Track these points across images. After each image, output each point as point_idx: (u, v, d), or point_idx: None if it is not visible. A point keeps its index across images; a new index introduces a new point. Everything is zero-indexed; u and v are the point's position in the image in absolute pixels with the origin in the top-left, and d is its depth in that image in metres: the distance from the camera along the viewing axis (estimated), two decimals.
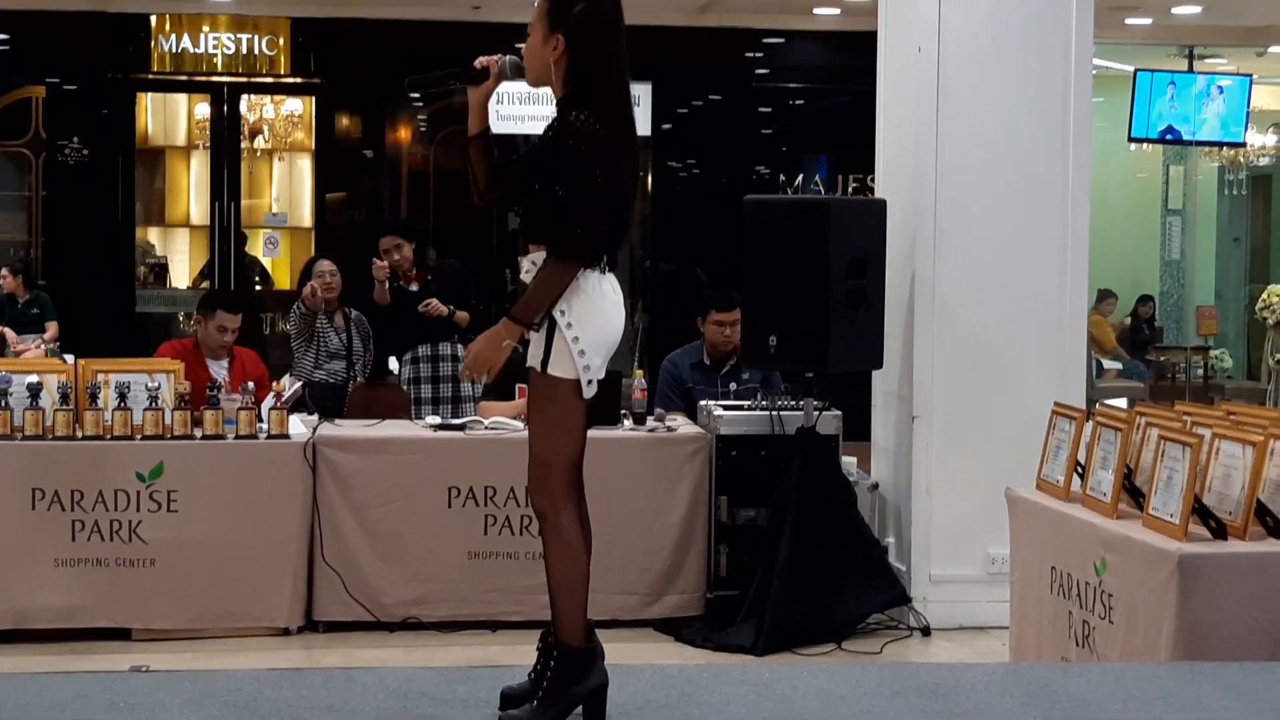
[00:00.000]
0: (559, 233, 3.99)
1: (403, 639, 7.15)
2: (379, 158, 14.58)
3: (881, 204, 7.64)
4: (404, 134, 14.85)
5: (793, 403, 7.68)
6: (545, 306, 4.01)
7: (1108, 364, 14.85)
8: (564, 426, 4.09)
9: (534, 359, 4.07)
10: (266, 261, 14.59)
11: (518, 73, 4.17)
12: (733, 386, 8.15)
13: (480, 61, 4.18)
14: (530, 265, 4.06)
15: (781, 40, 14.75)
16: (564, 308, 4.01)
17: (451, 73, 4.23)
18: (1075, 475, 5.55)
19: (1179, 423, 5.28)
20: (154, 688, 4.46)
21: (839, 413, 7.67)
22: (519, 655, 6.59)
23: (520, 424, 7.56)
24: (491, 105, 4.21)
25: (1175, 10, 13.40)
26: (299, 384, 8.14)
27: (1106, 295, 15.72)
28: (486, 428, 7.52)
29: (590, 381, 4.06)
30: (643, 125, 14.33)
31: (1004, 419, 7.42)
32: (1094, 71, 7.77)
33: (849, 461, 7.85)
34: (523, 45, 4.17)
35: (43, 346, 12.44)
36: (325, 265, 9.08)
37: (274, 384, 7.64)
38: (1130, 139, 14.68)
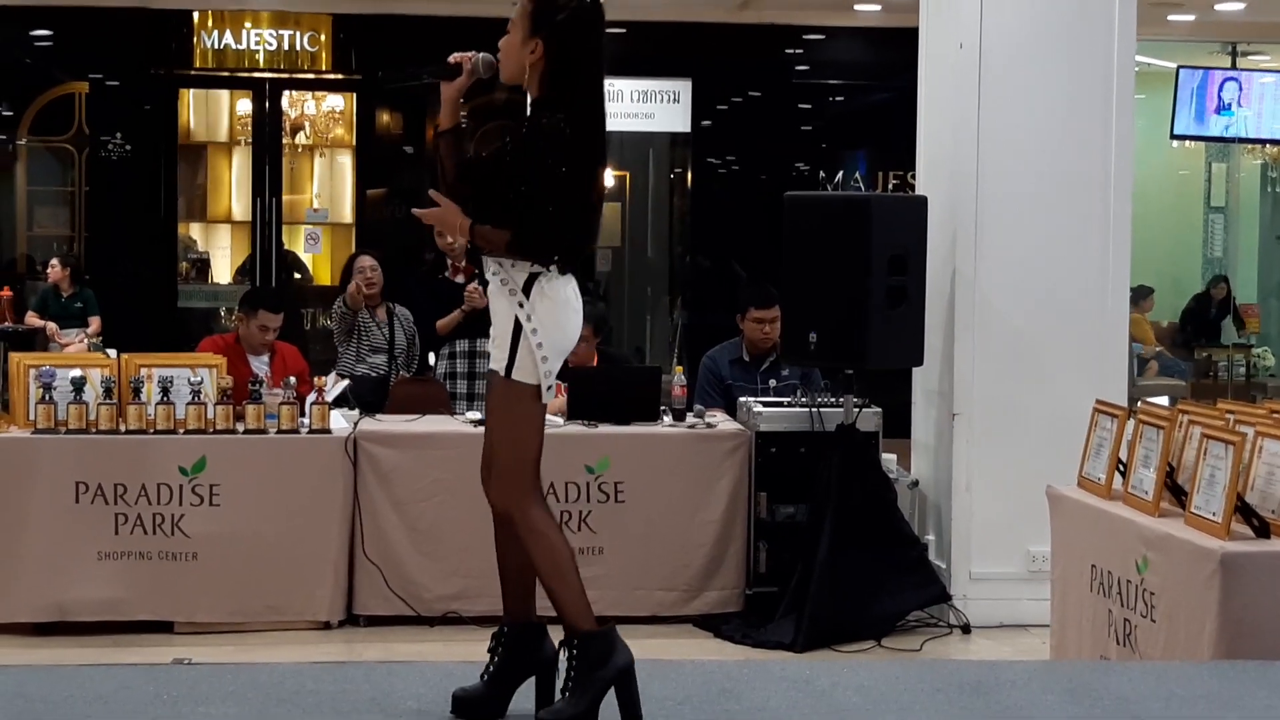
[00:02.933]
0: (528, 233, 4.02)
1: (443, 633, 7.18)
2: (419, 154, 14.61)
3: (922, 201, 7.63)
4: None
5: (832, 399, 7.67)
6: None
7: (1144, 351, 14.75)
8: (527, 430, 4.11)
9: (497, 363, 4.10)
10: (307, 257, 14.65)
11: (491, 70, 4.19)
12: (772, 383, 8.15)
13: (454, 58, 4.20)
14: (498, 266, 4.08)
15: (822, 36, 14.72)
16: (530, 313, 4.04)
17: (427, 69, 4.26)
18: (1117, 473, 5.54)
19: (1222, 421, 5.26)
20: (197, 680, 4.49)
21: (879, 409, 7.66)
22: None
23: (560, 419, 7.59)
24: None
25: (1218, 7, 13.33)
26: (345, 382, 8.18)
27: (1145, 292, 15.63)
28: None
29: (550, 387, 4.08)
30: (682, 121, 14.36)
31: (1044, 416, 7.40)
32: (1135, 68, 7.74)
33: (889, 458, 7.84)
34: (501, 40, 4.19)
35: (85, 341, 12.52)
36: (366, 261, 9.11)
37: (316, 380, 7.67)
38: (1172, 136, 14.60)
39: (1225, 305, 16.04)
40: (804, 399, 7.73)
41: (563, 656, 4.08)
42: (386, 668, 4.81)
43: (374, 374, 8.95)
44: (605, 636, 4.06)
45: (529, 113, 4.15)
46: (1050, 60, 7.54)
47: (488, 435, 4.18)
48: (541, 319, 4.05)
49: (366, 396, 8.29)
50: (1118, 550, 5.33)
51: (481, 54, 4.20)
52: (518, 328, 4.03)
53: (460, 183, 4.16)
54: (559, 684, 4.07)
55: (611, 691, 4.01)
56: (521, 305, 4.05)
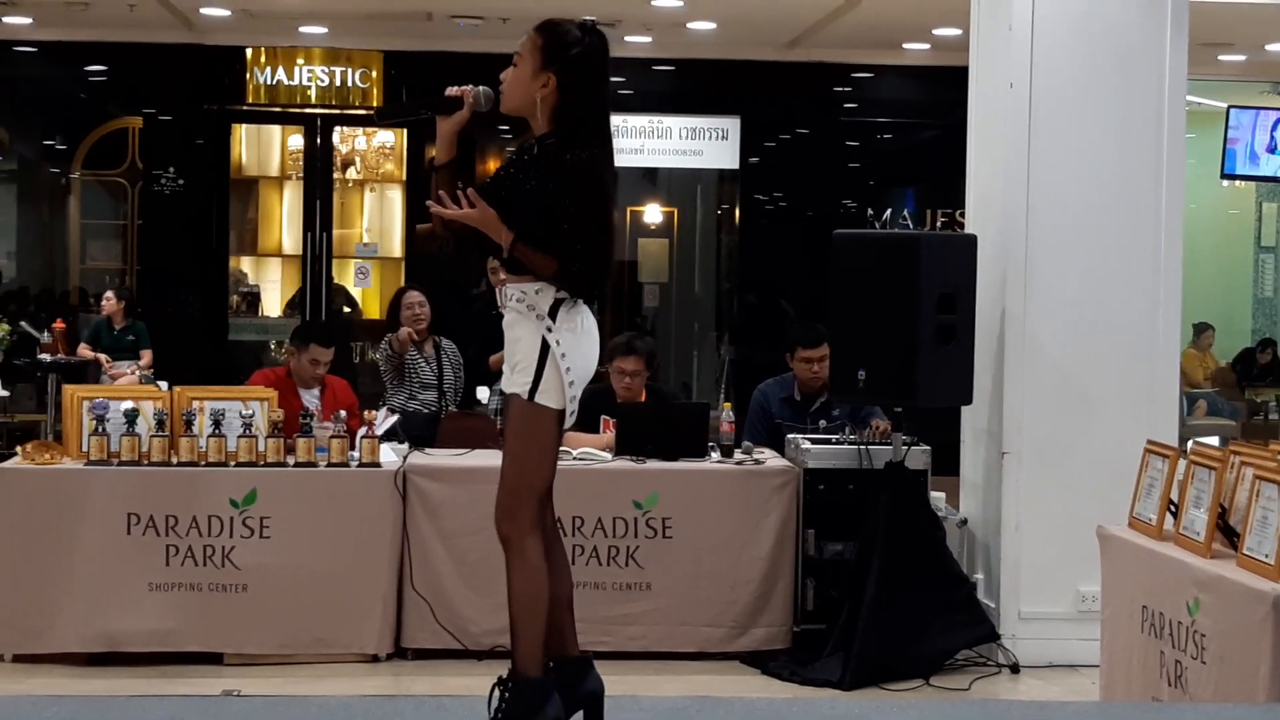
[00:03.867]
0: (571, 271, 4.05)
1: (490, 667, 7.10)
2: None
3: (972, 239, 7.63)
4: (493, 165, 14.93)
5: (891, 434, 7.67)
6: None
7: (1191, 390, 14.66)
8: (541, 455, 4.14)
9: (519, 386, 4.09)
10: (356, 291, 14.74)
11: (490, 103, 4.20)
12: (822, 424, 8.13)
13: (452, 91, 4.20)
14: (521, 294, 4.08)
15: (870, 75, 14.75)
16: (559, 339, 4.06)
17: (423, 102, 4.27)
18: (1168, 514, 5.51)
19: (1274, 462, 5.23)
20: (247, 712, 4.52)
21: (928, 448, 7.64)
22: (606, 685, 6.63)
23: (608, 455, 7.60)
24: None
25: (1269, 46, 13.30)
26: (394, 416, 8.21)
27: (1204, 328, 15.57)
28: (575, 458, 7.56)
29: (573, 413, 4.09)
30: (730, 158, 14.41)
31: (1094, 455, 7.37)
32: (1186, 107, 7.73)
33: (938, 496, 7.82)
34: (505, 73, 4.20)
35: (137, 373, 12.61)
36: (414, 297, 9.16)
37: (366, 414, 7.71)
38: (1223, 176, 14.55)
39: (1270, 369, 15.95)
40: (852, 436, 7.72)
41: (495, 695, 4.08)
42: (436, 701, 4.83)
43: (425, 410, 8.98)
44: (542, 688, 4.06)
45: (535, 148, 4.16)
46: (1101, 99, 7.54)
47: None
48: (568, 344, 4.07)
49: (417, 432, 8.33)
50: (1169, 591, 5.29)
51: (481, 87, 4.20)
52: (544, 350, 4.05)
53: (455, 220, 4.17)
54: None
55: None
56: (550, 330, 4.07)
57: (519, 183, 4.10)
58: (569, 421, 4.13)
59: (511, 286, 4.11)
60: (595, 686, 4.15)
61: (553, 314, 4.07)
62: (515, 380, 4.10)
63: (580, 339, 4.11)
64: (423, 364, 9.07)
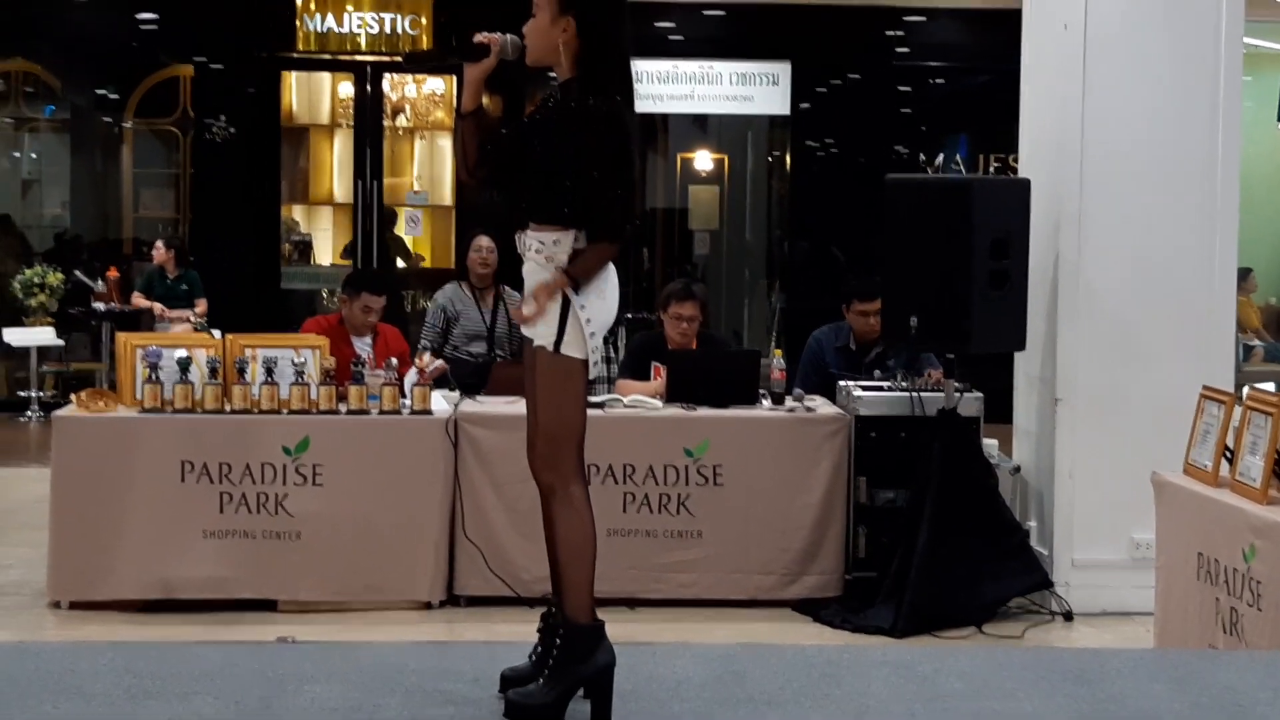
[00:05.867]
0: (603, 216, 4.02)
1: (540, 614, 7.18)
2: None
3: (1025, 184, 7.56)
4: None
5: (931, 384, 7.63)
6: (589, 277, 4.04)
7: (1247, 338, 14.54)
8: (574, 404, 4.12)
9: (545, 339, 4.06)
10: (408, 239, 14.75)
11: (518, 51, 4.16)
12: (876, 374, 8.08)
13: (480, 38, 4.16)
14: (540, 244, 4.05)
15: (923, 18, 14.62)
16: (578, 290, 4.04)
17: (451, 48, 4.24)
18: (1224, 460, 5.47)
19: None
20: (301, 659, 4.54)
21: (980, 395, 7.60)
22: (656, 633, 6.66)
23: (659, 403, 7.60)
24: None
25: None
26: (439, 361, 8.21)
27: (1245, 272, 15.39)
28: (625, 406, 7.56)
29: (596, 362, 4.09)
30: (781, 104, 14.33)
31: (1148, 402, 7.32)
32: (1243, 50, 7.62)
33: (990, 444, 7.79)
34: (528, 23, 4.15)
35: (191, 321, 12.67)
36: (483, 241, 9.12)
37: (416, 360, 7.71)
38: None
39: None
40: (904, 383, 7.69)
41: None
42: (488, 648, 4.84)
43: (472, 360, 8.97)
44: (595, 633, 4.06)
45: (559, 94, 4.13)
46: (1156, 42, 7.45)
47: (532, 415, 4.18)
48: (588, 293, 4.05)
49: (466, 380, 8.33)
50: (1224, 538, 5.26)
51: (509, 35, 4.17)
52: (566, 302, 4.03)
53: (480, 166, 4.17)
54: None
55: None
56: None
57: (544, 131, 4.08)
58: (594, 371, 4.12)
59: (531, 236, 4.08)
60: (608, 659, 4.13)
61: (573, 263, 4.05)
62: (539, 331, 4.09)
63: (602, 287, 4.09)
64: (475, 313, 9.05)
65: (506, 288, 9.16)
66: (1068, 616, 7.37)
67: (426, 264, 14.71)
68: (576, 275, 4.02)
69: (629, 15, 4.18)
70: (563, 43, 4.09)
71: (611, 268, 4.13)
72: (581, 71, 4.09)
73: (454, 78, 14.31)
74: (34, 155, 15.66)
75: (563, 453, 4.09)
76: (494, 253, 9.06)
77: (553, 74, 4.17)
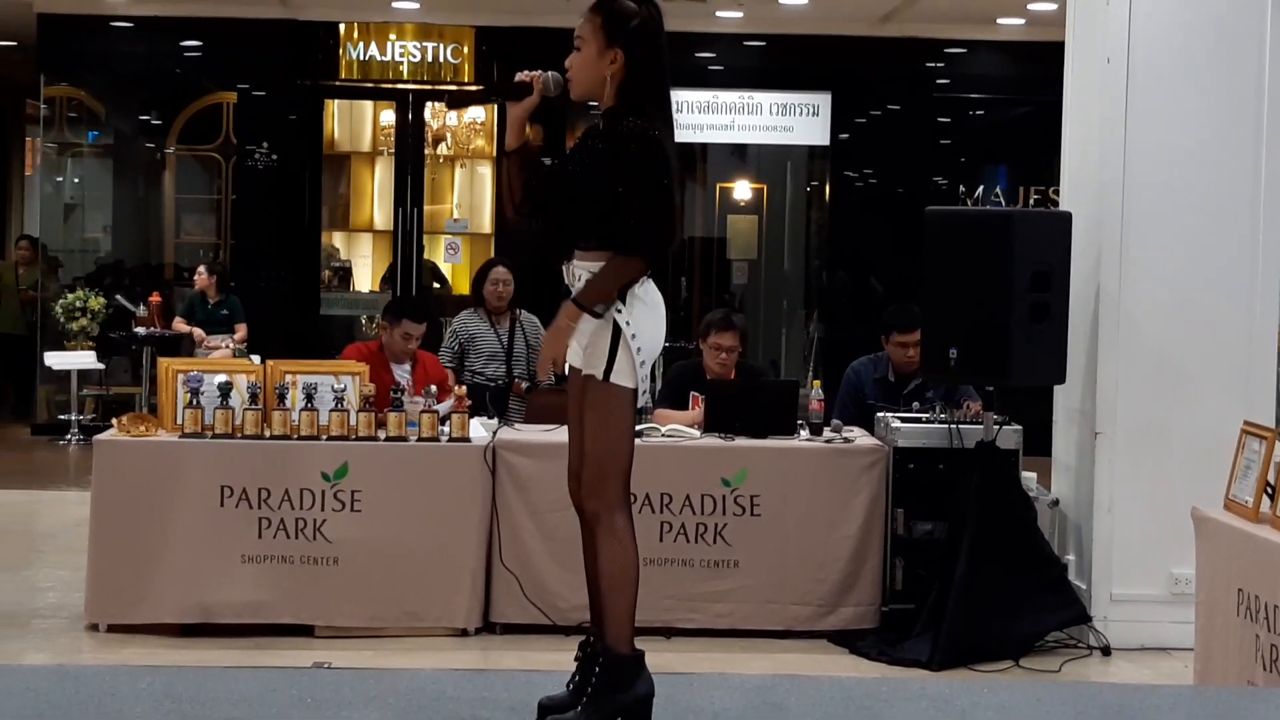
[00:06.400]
0: (631, 233, 4.04)
1: (577, 643, 7.18)
2: None
3: (1066, 216, 7.54)
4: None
5: (970, 416, 7.61)
6: (605, 297, 4.06)
7: None
8: (622, 433, 4.15)
9: (593, 368, 4.09)
10: (446, 267, 14.80)
11: (560, 88, 4.21)
12: (915, 406, 8.06)
13: (521, 76, 4.23)
14: (589, 273, 4.08)
15: (963, 50, 14.61)
16: (629, 319, 4.07)
17: (494, 88, 4.29)
18: (1265, 496, 5.44)
19: None
20: (339, 685, 4.56)
21: (1019, 427, 7.58)
22: (692, 662, 6.65)
23: (696, 432, 7.60)
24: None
25: None
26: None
27: None
28: (663, 435, 7.56)
29: (645, 391, 4.11)
30: (821, 135, 14.34)
31: (1189, 436, 7.29)
32: None
33: (1029, 477, 7.75)
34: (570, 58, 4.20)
35: (231, 347, 12.73)
36: (500, 273, 9.17)
37: (454, 389, 7.73)
38: None
39: None
40: (943, 415, 7.67)
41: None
42: (525, 676, 4.85)
43: (492, 383, 8.98)
44: (635, 663, 4.10)
45: (602, 124, 4.16)
46: (1200, 74, 7.43)
47: (575, 442, 4.19)
48: (639, 323, 4.08)
49: (483, 404, 8.35)
50: (1266, 574, 5.23)
51: (550, 72, 4.23)
52: (617, 332, 4.05)
53: (525, 202, 4.20)
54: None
55: None
56: (620, 310, 4.07)
57: (588, 158, 4.12)
58: (642, 400, 4.15)
59: (579, 266, 4.12)
60: (647, 689, 4.14)
61: (623, 293, 4.07)
62: (588, 360, 4.10)
63: (651, 314, 4.12)
64: (491, 336, 9.08)
65: (523, 311, 9.20)
66: (1105, 651, 7.32)
67: (465, 290, 14.75)
68: (584, 301, 4.05)
69: (666, 43, 4.22)
70: (610, 74, 4.12)
71: (657, 295, 4.14)
72: (624, 99, 4.12)
73: (494, 107, 14.38)
74: (76, 180, 15.79)
75: (609, 482, 4.11)
76: (510, 285, 9.11)
77: (594, 105, 4.20)
